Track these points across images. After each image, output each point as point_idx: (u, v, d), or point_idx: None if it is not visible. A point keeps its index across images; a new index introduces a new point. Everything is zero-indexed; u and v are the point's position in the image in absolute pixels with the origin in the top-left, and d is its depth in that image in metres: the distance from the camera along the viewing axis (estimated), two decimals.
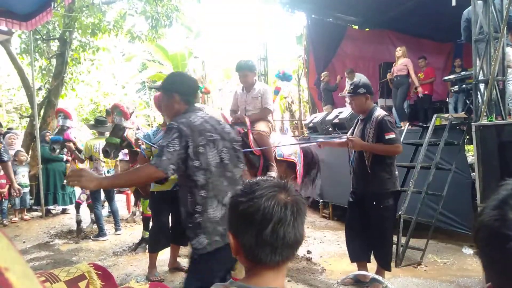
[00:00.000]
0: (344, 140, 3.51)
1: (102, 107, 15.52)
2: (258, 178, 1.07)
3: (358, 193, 3.50)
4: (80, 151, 5.71)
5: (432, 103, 8.65)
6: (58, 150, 5.72)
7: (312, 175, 4.48)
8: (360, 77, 8.28)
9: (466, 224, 4.52)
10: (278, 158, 3.88)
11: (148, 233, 4.99)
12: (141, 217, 5.15)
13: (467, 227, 4.52)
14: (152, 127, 15.17)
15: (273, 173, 3.65)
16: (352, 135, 3.61)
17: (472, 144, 5.08)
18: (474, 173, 4.89)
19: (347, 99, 8.23)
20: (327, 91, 9.50)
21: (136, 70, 18.46)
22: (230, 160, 2.16)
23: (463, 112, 6.97)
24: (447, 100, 10.15)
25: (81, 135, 6.09)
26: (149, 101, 17.04)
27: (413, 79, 7.47)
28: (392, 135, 3.18)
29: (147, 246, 4.96)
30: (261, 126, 3.78)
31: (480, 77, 4.38)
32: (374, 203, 3.29)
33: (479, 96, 4.30)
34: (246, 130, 3.67)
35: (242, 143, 3.54)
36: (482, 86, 4.46)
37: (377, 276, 1.67)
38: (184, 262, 4.33)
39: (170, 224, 4.09)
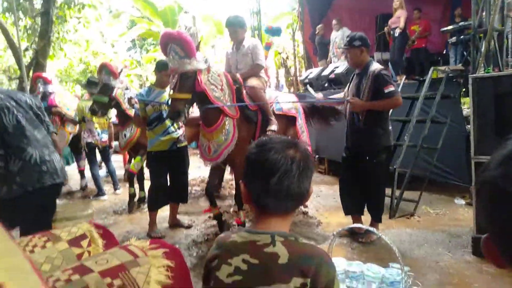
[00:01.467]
0: (342, 99, 3.47)
1: (93, 67, 15.17)
2: (272, 135, 1.17)
3: (352, 148, 3.52)
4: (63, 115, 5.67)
5: (429, 56, 8.49)
6: None
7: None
8: (344, 31, 8.08)
9: (460, 176, 4.62)
10: (277, 112, 3.84)
11: (132, 189, 5.06)
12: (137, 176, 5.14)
13: (460, 178, 4.62)
14: (144, 86, 14.96)
15: (273, 127, 3.63)
16: (348, 90, 3.58)
17: (468, 97, 5.10)
18: (468, 126, 4.94)
19: (336, 52, 8.20)
20: (323, 45, 9.28)
21: (125, 28, 17.86)
22: (28, 122, 2.47)
23: (460, 64, 6.89)
24: (444, 52, 10.01)
25: (66, 99, 5.98)
26: (140, 59, 16.67)
27: (401, 23, 7.21)
28: (391, 88, 3.15)
29: (140, 204, 5.07)
30: (253, 81, 3.71)
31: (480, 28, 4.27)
32: (367, 158, 3.32)
33: (480, 47, 4.20)
34: (238, 86, 3.60)
35: (238, 100, 3.52)
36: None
37: (371, 228, 1.72)
38: (184, 218, 4.44)
39: (168, 183, 4.13)
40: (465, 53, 7.52)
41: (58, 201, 2.97)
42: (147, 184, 5.08)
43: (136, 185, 5.27)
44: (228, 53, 4.04)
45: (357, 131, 3.36)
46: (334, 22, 8.31)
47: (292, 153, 1.04)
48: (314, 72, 8.03)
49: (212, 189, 3.96)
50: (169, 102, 3.31)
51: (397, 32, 7.36)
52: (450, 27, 7.74)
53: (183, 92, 3.12)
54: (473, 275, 2.85)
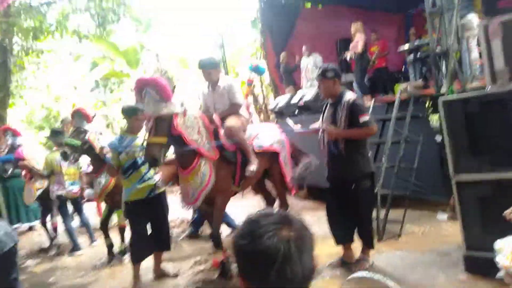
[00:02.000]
0: (318, 128, 3.50)
1: (55, 112, 14.73)
2: (257, 213, 1.00)
3: (336, 177, 3.52)
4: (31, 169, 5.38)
5: (390, 74, 8.86)
6: (10, 170, 5.41)
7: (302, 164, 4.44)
8: (315, 57, 8.32)
9: (438, 191, 4.71)
10: (257, 150, 3.80)
11: (124, 244, 4.84)
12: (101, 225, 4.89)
13: (439, 193, 4.72)
14: (112, 128, 14.64)
15: (253, 167, 3.59)
16: (323, 120, 3.61)
17: (434, 113, 5.30)
18: (439, 136, 5.10)
19: (308, 78, 8.39)
20: (287, 72, 9.47)
21: (87, 69, 17.55)
22: None
23: (420, 80, 7.22)
24: (403, 70, 10.48)
25: (34, 151, 5.74)
26: (105, 100, 16.37)
27: (359, 47, 7.48)
28: (366, 117, 3.21)
29: (123, 257, 4.81)
30: (230, 122, 3.69)
31: (437, 49, 4.49)
32: (353, 186, 3.33)
33: (442, 67, 4.40)
34: (215, 128, 3.57)
35: (217, 142, 3.48)
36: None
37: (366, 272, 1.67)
38: (168, 266, 4.23)
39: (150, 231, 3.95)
40: (423, 69, 7.92)
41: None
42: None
43: (114, 234, 5.04)
44: (204, 94, 4.01)
45: (337, 159, 3.37)
46: (304, 48, 8.52)
47: (286, 233, 0.91)
48: (282, 100, 8.13)
49: (217, 233, 3.73)
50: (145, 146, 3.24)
51: (354, 55, 7.64)
52: (406, 46, 8.11)
53: (159, 136, 3.08)
54: None
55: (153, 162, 3.12)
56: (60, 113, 14.51)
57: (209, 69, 3.73)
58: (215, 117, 3.65)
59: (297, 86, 9.21)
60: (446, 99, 3.13)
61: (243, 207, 6.02)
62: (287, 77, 9.45)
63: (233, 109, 3.79)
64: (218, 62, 3.88)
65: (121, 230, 4.83)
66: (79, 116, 4.45)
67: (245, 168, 3.62)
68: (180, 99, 3.29)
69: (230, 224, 5.10)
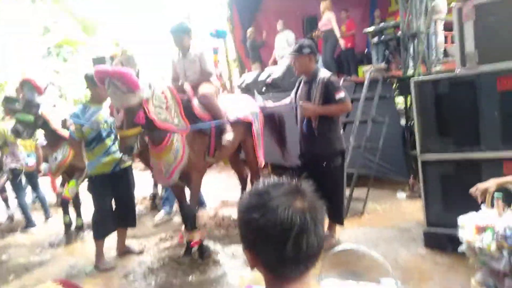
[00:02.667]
0: (292, 105, 3.46)
1: (3, 81, 13.62)
2: (266, 183, 0.94)
3: (307, 155, 3.53)
4: None
5: (354, 56, 8.97)
6: None
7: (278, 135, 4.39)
8: (287, 34, 8.24)
9: (399, 171, 4.91)
10: (232, 120, 3.71)
11: (81, 220, 4.64)
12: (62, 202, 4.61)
13: (400, 173, 4.92)
14: (65, 99, 13.82)
15: (228, 135, 3.52)
16: (296, 97, 3.58)
17: (400, 95, 5.45)
18: (403, 121, 5.28)
19: (278, 58, 8.31)
20: (254, 48, 9.32)
21: (37, 35, 16.27)
22: None
23: (382, 63, 7.37)
24: (366, 52, 10.66)
25: None
26: (58, 69, 15.35)
27: (335, 31, 7.56)
28: (342, 94, 3.22)
29: (79, 233, 4.61)
30: (204, 89, 3.56)
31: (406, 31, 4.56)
32: (325, 163, 3.35)
33: (408, 48, 4.48)
34: (187, 98, 3.44)
35: (187, 112, 3.34)
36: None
37: (363, 249, 1.70)
38: (133, 243, 4.12)
39: (114, 207, 3.80)
40: (386, 52, 8.08)
41: None
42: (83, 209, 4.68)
43: (72, 211, 4.80)
44: (174, 61, 3.83)
45: (311, 137, 3.37)
46: (278, 24, 8.36)
47: (300, 204, 0.88)
48: (249, 77, 8.03)
49: (187, 209, 3.62)
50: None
51: (323, 34, 7.64)
52: (371, 28, 8.18)
53: (133, 128, 2.92)
54: (430, 268, 3.01)
55: (129, 153, 3.04)
56: (7, 82, 13.41)
57: (180, 34, 3.55)
58: (187, 86, 3.50)
59: (263, 63, 9.11)
60: (417, 80, 3.19)
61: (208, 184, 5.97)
62: (254, 53, 9.31)
63: (205, 77, 3.66)
64: (189, 28, 3.69)
65: (63, 202, 4.55)
66: (29, 87, 4.04)
67: (220, 138, 3.53)
68: (146, 80, 3.06)
69: (198, 199, 5.03)
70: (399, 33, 5.90)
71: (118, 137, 3.05)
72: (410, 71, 4.73)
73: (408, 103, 5.00)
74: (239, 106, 3.98)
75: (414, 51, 4.63)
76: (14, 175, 4.84)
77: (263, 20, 10.18)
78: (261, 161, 4.32)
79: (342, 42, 7.73)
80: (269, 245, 0.86)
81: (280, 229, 0.85)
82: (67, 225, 4.57)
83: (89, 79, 4.11)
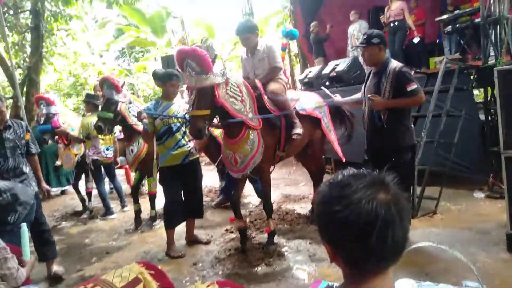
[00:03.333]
0: (363, 98, 3.35)
1: (82, 79, 14.89)
2: (346, 174, 0.92)
3: (375, 149, 3.41)
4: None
5: (424, 46, 8.45)
6: (50, 141, 5.50)
7: (346, 130, 4.36)
8: (361, 23, 8.02)
9: (478, 169, 4.55)
10: (301, 113, 3.75)
11: (154, 211, 4.94)
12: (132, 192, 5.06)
13: (479, 171, 4.55)
14: (138, 96, 14.73)
15: (298, 130, 3.54)
16: (364, 89, 3.46)
17: (479, 87, 5.04)
18: (483, 116, 4.87)
19: (354, 45, 8.09)
20: (318, 42, 9.17)
21: (112, 37, 17.55)
22: None
23: (457, 53, 6.84)
24: (437, 42, 9.98)
25: (70, 119, 5.79)
26: (130, 68, 16.41)
27: (410, 23, 7.21)
28: (414, 86, 3.04)
29: (153, 224, 4.91)
30: (273, 86, 3.61)
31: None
32: (393, 158, 3.21)
33: (491, 36, 4.12)
34: (258, 93, 3.51)
35: (260, 107, 3.42)
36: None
37: (444, 248, 1.60)
38: (200, 233, 4.30)
39: (183, 198, 3.98)
40: (461, 41, 7.48)
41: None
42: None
43: (144, 200, 5.13)
44: (243, 59, 3.92)
45: (379, 131, 3.24)
46: (351, 14, 8.19)
47: (384, 196, 0.84)
48: (313, 71, 7.91)
49: (238, 200, 3.83)
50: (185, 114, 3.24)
51: (392, 24, 7.30)
52: (445, 16, 7.64)
53: (202, 109, 3.05)
54: None
55: (198, 135, 3.08)
56: (87, 80, 14.63)
57: (247, 33, 3.61)
58: (257, 82, 3.57)
59: (327, 58, 8.94)
60: (502, 69, 2.92)
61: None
62: (317, 47, 9.16)
63: (274, 73, 3.70)
64: (255, 25, 3.73)
65: (151, 197, 4.91)
66: (109, 85, 4.39)
67: (290, 132, 3.55)
68: (221, 68, 3.22)
69: (258, 192, 5.12)
70: (477, 20, 5.44)
71: (188, 118, 3.21)
72: (491, 61, 4.34)
73: (489, 95, 4.60)
74: (306, 101, 3.97)
75: (496, 38, 4.23)
76: (95, 166, 5.28)
77: (326, 14, 9.97)
78: (342, 156, 4.28)
79: (416, 35, 7.31)
80: (352, 238, 0.84)
81: (364, 221, 0.82)
82: (137, 212, 4.91)
83: (159, 76, 4.35)
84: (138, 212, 4.93)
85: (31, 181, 3.39)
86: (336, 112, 4.30)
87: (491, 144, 4.55)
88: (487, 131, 4.63)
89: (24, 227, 2.51)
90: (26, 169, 3.38)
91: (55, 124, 5.36)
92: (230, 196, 5.14)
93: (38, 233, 3.43)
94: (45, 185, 3.62)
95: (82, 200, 5.84)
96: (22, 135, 3.37)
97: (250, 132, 3.32)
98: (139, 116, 3.81)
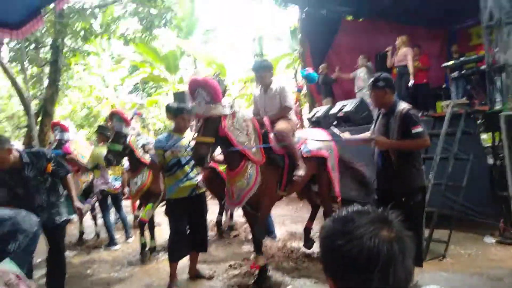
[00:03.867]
0: (368, 138, 3.41)
1: (96, 111, 15.26)
2: (350, 210, 0.94)
3: (385, 190, 3.40)
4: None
5: (430, 91, 8.62)
6: None
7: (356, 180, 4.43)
8: (368, 65, 8.27)
9: (487, 213, 4.49)
10: (305, 155, 3.79)
11: (143, 239, 4.87)
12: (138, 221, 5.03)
13: (488, 216, 4.49)
14: (149, 130, 15.00)
15: (300, 172, 3.58)
16: (374, 130, 3.52)
17: (486, 132, 5.08)
18: (491, 159, 4.87)
19: (357, 90, 8.29)
20: (326, 83, 9.40)
21: (126, 72, 18.15)
22: None
23: (464, 98, 6.95)
24: (444, 86, 10.18)
25: (80, 148, 5.90)
26: (143, 103, 16.81)
27: (409, 67, 7.39)
28: (419, 129, 3.09)
29: (152, 255, 4.85)
30: (281, 125, 3.69)
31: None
32: (403, 199, 3.20)
33: (497, 82, 4.22)
34: (265, 130, 3.59)
35: (265, 145, 3.49)
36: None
37: None
38: (203, 268, 4.23)
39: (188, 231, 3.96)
40: (467, 87, 7.62)
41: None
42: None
43: (146, 233, 5.09)
44: (255, 96, 4.05)
45: (388, 171, 3.26)
46: (360, 58, 8.45)
47: (387, 233, 0.85)
48: (321, 110, 8.06)
49: (260, 237, 3.72)
50: (192, 145, 3.31)
51: (397, 69, 7.52)
52: (451, 62, 7.87)
53: (207, 136, 3.13)
54: None
55: (200, 161, 3.15)
56: (100, 113, 14.99)
57: (262, 72, 3.76)
58: (265, 120, 3.66)
59: (335, 99, 9.12)
60: (508, 114, 2.97)
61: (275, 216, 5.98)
62: (326, 88, 9.38)
63: (284, 112, 3.80)
64: (271, 65, 3.89)
65: (141, 224, 4.85)
66: (118, 119, 4.53)
67: (292, 172, 3.59)
68: (230, 101, 3.33)
69: (268, 228, 5.07)
70: (483, 67, 5.58)
71: (192, 144, 3.28)
72: (497, 106, 4.40)
73: (497, 139, 4.62)
74: (313, 142, 4.02)
75: (501, 85, 4.32)
76: (103, 196, 5.32)
77: (334, 57, 10.28)
78: (338, 194, 4.28)
79: (411, 81, 7.48)
80: (354, 274, 0.84)
81: (366, 258, 0.82)
82: (143, 245, 4.85)
83: (172, 110, 4.48)
84: (143, 245, 4.86)
85: (62, 209, 3.42)
86: (340, 162, 4.35)
87: (500, 188, 4.52)
88: (496, 175, 4.62)
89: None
90: (55, 198, 3.35)
91: (66, 150, 5.47)
92: (269, 234, 5.11)
93: (53, 260, 3.42)
94: (77, 204, 3.55)
95: (81, 233, 5.81)
96: (43, 168, 3.23)
97: (249, 166, 3.37)
98: (143, 148, 3.88)
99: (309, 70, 5.50)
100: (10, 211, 2.79)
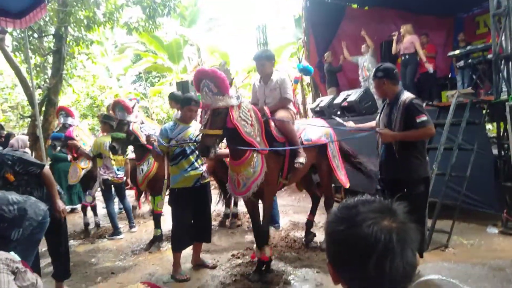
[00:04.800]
0: (371, 128, 3.39)
1: (99, 101, 15.27)
2: (357, 199, 0.94)
3: (387, 180, 3.39)
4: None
5: (436, 80, 8.54)
6: (58, 148, 5.60)
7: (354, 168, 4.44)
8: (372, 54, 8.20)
9: (490, 203, 4.47)
10: (305, 143, 3.81)
11: (159, 230, 4.90)
12: (152, 214, 5.06)
13: (491, 206, 4.48)
14: (152, 120, 15.00)
15: (301, 159, 3.58)
16: (379, 120, 3.49)
17: (492, 122, 5.03)
18: (495, 151, 4.83)
19: (365, 76, 8.23)
20: (331, 72, 9.31)
21: (129, 62, 18.10)
22: None
23: (469, 88, 6.87)
24: (449, 76, 10.07)
25: (83, 134, 5.90)
26: (146, 92, 16.80)
27: (421, 55, 7.32)
28: (424, 118, 3.06)
29: (160, 244, 4.88)
30: (281, 114, 3.69)
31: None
32: (406, 189, 3.18)
33: (503, 72, 4.16)
34: (266, 119, 3.57)
35: (266, 133, 3.48)
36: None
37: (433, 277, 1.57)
38: (206, 257, 4.26)
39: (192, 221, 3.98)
40: (474, 76, 7.54)
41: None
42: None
43: (145, 221, 5.11)
44: (255, 86, 4.03)
45: (392, 162, 3.24)
46: (363, 46, 8.36)
47: (388, 223, 0.84)
48: (325, 100, 8.00)
49: (261, 227, 3.71)
50: (198, 137, 3.35)
51: (404, 57, 7.44)
52: (457, 52, 7.75)
53: (215, 128, 3.14)
54: None
55: (206, 152, 3.13)
56: (103, 102, 15.01)
57: (263, 60, 3.74)
58: (266, 108, 3.65)
59: (339, 88, 9.05)
60: None
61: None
62: (330, 77, 9.30)
63: (283, 103, 3.79)
64: (272, 55, 3.86)
65: (156, 216, 4.89)
66: (120, 108, 4.54)
67: (293, 160, 3.59)
68: (236, 91, 3.31)
69: (273, 218, 5.10)
70: (489, 56, 5.51)
71: (198, 135, 3.27)
72: (503, 96, 4.35)
73: (502, 129, 4.58)
74: (312, 129, 4.02)
75: (508, 74, 4.27)
76: (106, 185, 5.35)
77: (339, 45, 10.16)
78: (345, 182, 4.28)
79: (428, 65, 7.40)
80: (351, 261, 0.85)
81: (363, 244, 0.82)
82: (157, 237, 4.88)
83: (177, 99, 4.47)
84: (158, 237, 4.89)
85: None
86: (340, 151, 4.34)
87: (505, 179, 4.50)
88: (500, 165, 4.58)
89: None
90: (40, 193, 3.16)
91: (68, 134, 5.48)
92: (273, 223, 5.13)
93: (55, 249, 3.43)
94: (58, 203, 3.22)
95: (86, 224, 5.85)
96: (5, 177, 3.01)
97: (254, 155, 3.37)
98: (148, 140, 3.87)
99: (305, 63, 5.47)
100: (20, 196, 2.77)
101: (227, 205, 5.77)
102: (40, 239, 2.94)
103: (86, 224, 5.82)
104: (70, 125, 5.58)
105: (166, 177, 4.21)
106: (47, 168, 3.27)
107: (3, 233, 2.58)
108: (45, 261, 4.08)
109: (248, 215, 5.86)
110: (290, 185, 4.73)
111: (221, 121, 3.14)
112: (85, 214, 5.85)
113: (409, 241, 0.86)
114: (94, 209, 6.00)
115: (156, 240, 4.91)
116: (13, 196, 2.72)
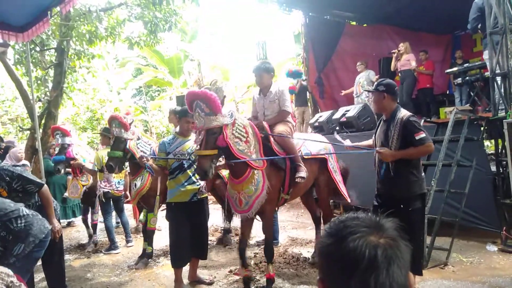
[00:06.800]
0: (372, 149, 3.38)
1: (99, 114, 15.31)
2: (349, 215, 0.93)
3: (383, 196, 3.38)
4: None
5: (434, 96, 8.61)
6: (63, 170, 5.56)
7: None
8: (369, 72, 8.27)
9: (489, 221, 4.45)
10: (306, 157, 3.80)
11: (150, 248, 4.84)
12: (144, 229, 4.96)
13: (491, 223, 4.45)
14: (151, 134, 15.03)
15: (302, 173, 3.57)
16: (375, 137, 3.50)
17: (490, 139, 5.05)
18: (494, 168, 4.83)
19: (359, 92, 8.30)
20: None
21: (130, 76, 18.24)
22: None
23: (467, 105, 6.92)
24: (447, 92, 10.16)
25: (82, 150, 5.88)
26: (146, 106, 16.88)
27: (413, 65, 7.43)
28: (423, 135, 3.06)
29: (149, 260, 4.81)
30: (280, 128, 3.70)
31: (497, 71, 4.29)
32: (402, 206, 3.17)
33: (496, 89, 4.20)
34: (265, 134, 3.58)
35: (265, 147, 3.47)
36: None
37: None
38: (203, 273, 4.21)
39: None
40: (471, 93, 7.60)
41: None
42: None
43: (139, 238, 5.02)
44: (254, 98, 4.06)
45: (387, 178, 3.23)
46: (358, 63, 8.45)
47: (375, 238, 0.82)
48: (323, 115, 8.04)
49: (245, 246, 3.71)
50: (194, 155, 3.29)
51: (401, 73, 7.53)
52: (455, 69, 7.83)
53: (209, 149, 3.12)
54: None
55: (204, 174, 3.11)
56: (103, 116, 15.05)
57: (262, 72, 3.76)
58: (265, 123, 3.66)
59: (338, 104, 9.11)
60: (511, 121, 2.95)
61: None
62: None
63: (282, 116, 3.81)
64: (271, 67, 3.89)
65: (149, 233, 4.81)
66: (117, 124, 4.42)
67: (294, 175, 3.58)
68: (229, 109, 3.31)
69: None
70: (487, 73, 5.56)
71: (195, 156, 3.25)
72: (501, 113, 4.38)
73: (500, 147, 4.59)
74: (312, 143, 4.04)
75: (505, 91, 4.30)
76: (106, 198, 5.32)
77: (338, 62, 10.29)
78: (347, 197, 4.27)
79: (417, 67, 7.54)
80: (336, 276, 0.83)
81: (347, 259, 0.81)
82: (147, 254, 4.81)
83: (175, 112, 4.47)
84: (149, 254, 4.82)
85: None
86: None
87: (503, 196, 4.49)
88: (499, 183, 4.58)
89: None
90: (34, 208, 3.07)
91: (69, 155, 5.45)
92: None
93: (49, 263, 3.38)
94: (54, 223, 3.16)
95: (90, 235, 5.80)
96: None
97: (255, 172, 3.35)
98: (141, 161, 3.86)
99: (292, 68, 5.49)
100: (29, 210, 2.75)
101: (229, 220, 5.71)
102: (39, 257, 2.91)
103: (91, 236, 5.80)
104: (69, 145, 5.53)
105: (158, 193, 4.20)
106: (45, 187, 3.26)
107: (6, 245, 2.57)
108: (40, 276, 4.03)
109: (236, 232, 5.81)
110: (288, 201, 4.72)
111: (215, 140, 3.14)
112: (87, 226, 5.81)
113: (398, 259, 0.82)
114: (94, 226, 5.93)
115: (145, 256, 4.81)
116: (24, 209, 2.70)
